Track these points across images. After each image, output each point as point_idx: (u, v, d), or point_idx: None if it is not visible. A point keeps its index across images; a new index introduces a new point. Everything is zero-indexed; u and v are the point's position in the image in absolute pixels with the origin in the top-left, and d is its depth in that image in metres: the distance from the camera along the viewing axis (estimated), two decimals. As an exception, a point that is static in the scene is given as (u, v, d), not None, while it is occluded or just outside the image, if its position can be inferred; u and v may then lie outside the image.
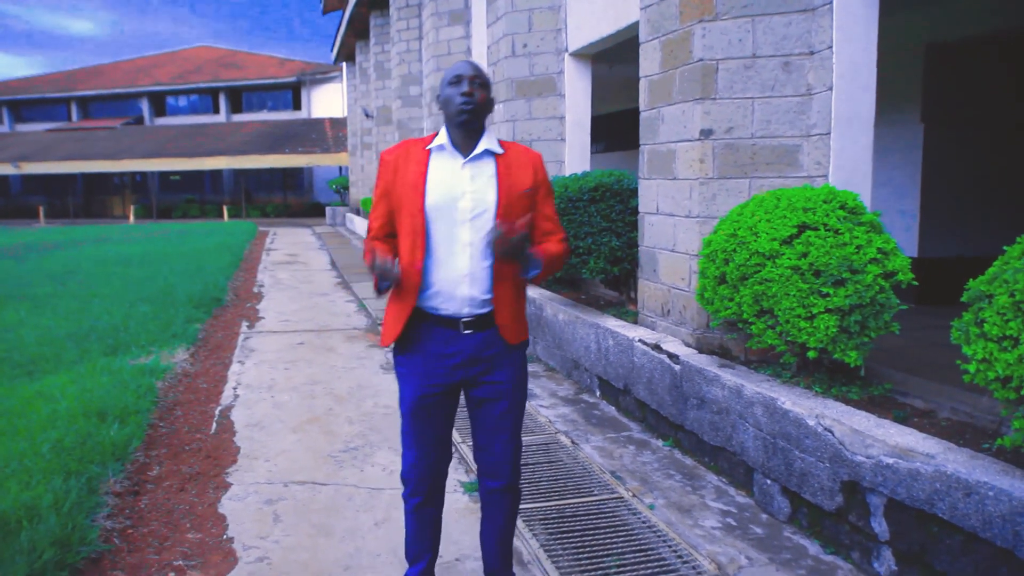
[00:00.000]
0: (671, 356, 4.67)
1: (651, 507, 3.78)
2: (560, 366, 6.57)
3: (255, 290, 11.94)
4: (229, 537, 3.48)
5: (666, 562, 3.21)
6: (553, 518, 3.63)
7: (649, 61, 5.25)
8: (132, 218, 37.73)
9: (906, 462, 2.93)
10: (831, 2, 4.32)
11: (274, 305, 10.40)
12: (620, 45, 7.66)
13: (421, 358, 2.62)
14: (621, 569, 3.15)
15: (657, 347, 4.85)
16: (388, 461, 4.41)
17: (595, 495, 3.92)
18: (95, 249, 18.37)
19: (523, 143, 8.12)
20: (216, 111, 46.58)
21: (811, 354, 3.66)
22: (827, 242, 3.62)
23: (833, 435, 3.30)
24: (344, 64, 31.32)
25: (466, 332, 2.59)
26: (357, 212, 25.65)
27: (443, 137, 2.60)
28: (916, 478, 2.87)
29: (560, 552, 3.29)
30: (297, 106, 45.44)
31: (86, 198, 43.92)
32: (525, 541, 3.39)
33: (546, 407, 5.52)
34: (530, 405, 5.48)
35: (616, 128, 15.55)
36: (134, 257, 15.85)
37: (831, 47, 4.36)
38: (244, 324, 8.91)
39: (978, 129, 7.60)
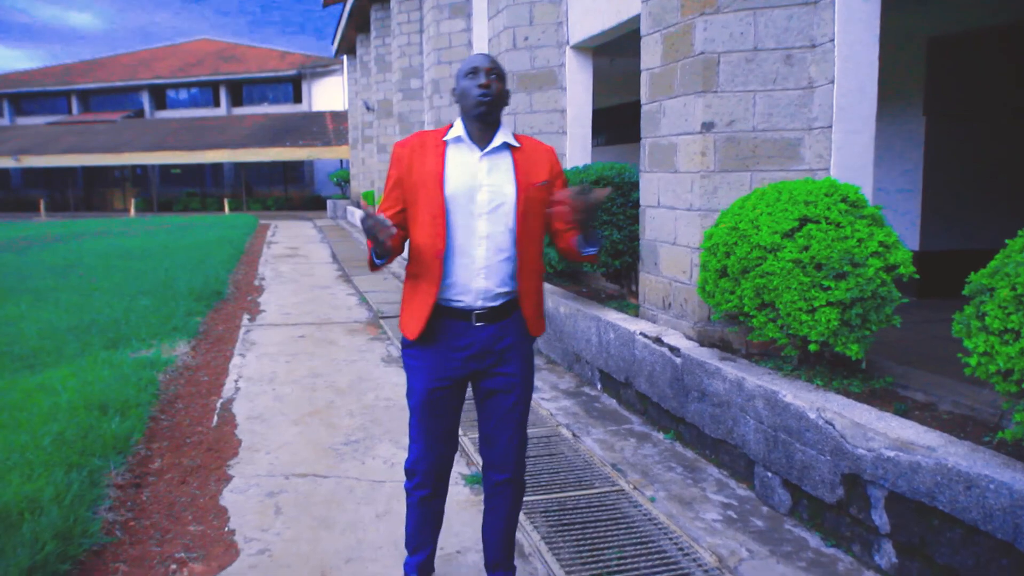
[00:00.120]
0: (672, 349, 4.67)
1: (652, 500, 3.79)
2: (561, 359, 6.57)
3: (256, 283, 11.94)
4: (231, 529, 3.49)
5: (667, 554, 3.22)
6: (554, 510, 3.64)
7: (650, 54, 5.24)
8: (133, 211, 37.70)
9: (907, 455, 2.93)
10: (833, -6, 4.31)
11: (275, 298, 10.41)
12: (621, 38, 7.64)
13: (433, 350, 2.62)
14: (622, 561, 3.15)
15: (658, 340, 4.85)
16: (389, 454, 4.42)
17: (596, 488, 3.92)
18: (96, 242, 18.36)
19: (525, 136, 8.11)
20: (217, 104, 46.52)
21: (812, 347, 3.66)
22: (828, 235, 3.61)
23: (834, 428, 3.30)
24: (345, 57, 31.25)
25: (478, 324, 2.59)
26: (358, 205, 25.63)
27: (459, 129, 2.59)
28: (917, 471, 2.88)
29: (561, 544, 3.30)
30: (298, 99, 45.37)
31: (87, 191, 43.88)
32: (526, 533, 3.40)
33: (547, 400, 5.53)
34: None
35: (617, 121, 15.53)
36: (135, 250, 15.85)
37: (833, 40, 4.35)
38: (245, 317, 8.91)
39: (980, 123, 7.59)
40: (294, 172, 42.75)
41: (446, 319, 2.59)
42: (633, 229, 5.98)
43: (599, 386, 5.79)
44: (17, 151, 38.22)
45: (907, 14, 7.22)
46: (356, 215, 24.18)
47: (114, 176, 43.71)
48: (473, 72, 2.55)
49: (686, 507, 3.72)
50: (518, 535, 3.36)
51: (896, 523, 3.01)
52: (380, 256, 2.51)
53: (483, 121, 2.56)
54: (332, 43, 28.98)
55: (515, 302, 2.66)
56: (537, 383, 5.97)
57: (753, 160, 4.61)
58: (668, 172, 5.07)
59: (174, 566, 3.15)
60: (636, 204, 5.94)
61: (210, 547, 3.33)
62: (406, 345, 2.69)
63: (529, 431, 4.63)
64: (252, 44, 52.20)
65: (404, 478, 2.84)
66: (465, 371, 2.64)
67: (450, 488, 3.37)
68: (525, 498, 3.70)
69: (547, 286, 7.23)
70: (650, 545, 3.30)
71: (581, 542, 3.32)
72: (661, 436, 4.74)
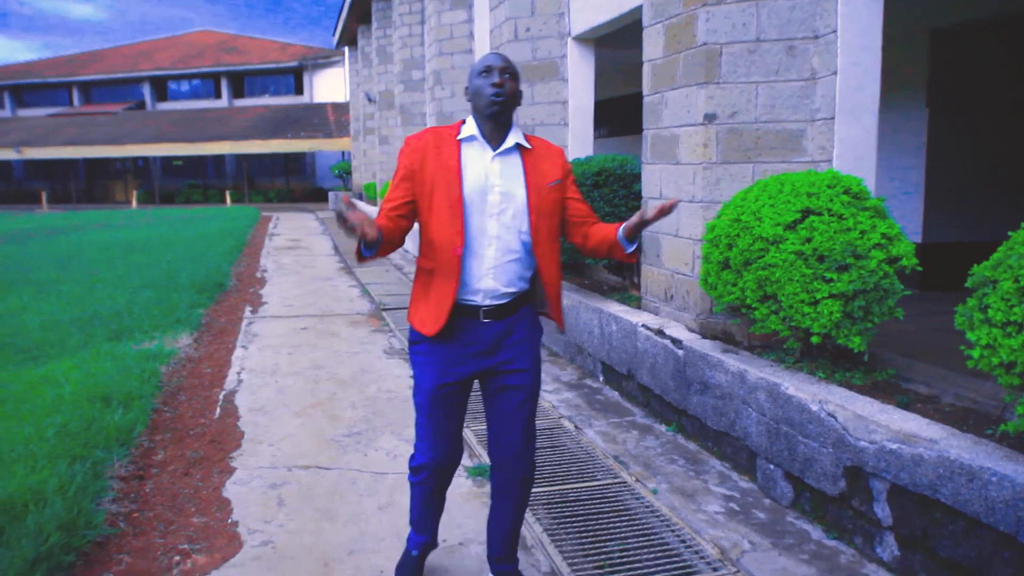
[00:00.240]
0: (674, 341, 4.67)
1: (654, 492, 3.79)
2: (563, 351, 6.57)
3: (258, 275, 11.95)
4: (234, 521, 3.50)
5: (669, 546, 3.22)
6: (556, 503, 3.65)
7: (652, 45, 5.23)
8: (135, 203, 37.71)
9: (909, 447, 2.93)
10: (837, -15, 4.29)
11: (277, 290, 10.41)
12: (623, 29, 7.62)
13: (441, 347, 2.62)
14: (624, 553, 3.16)
15: (660, 332, 4.85)
16: (392, 446, 4.43)
17: (598, 480, 3.93)
18: (98, 234, 18.38)
19: (526, 128, 8.10)
20: (218, 96, 46.46)
21: (815, 339, 3.65)
22: (831, 227, 3.61)
23: (836, 420, 3.31)
24: (346, 49, 31.16)
25: (485, 321, 2.60)
26: (360, 197, 25.62)
27: (472, 128, 2.59)
28: (919, 463, 2.88)
29: (563, 536, 3.30)
30: (299, 91, 45.32)
31: (88, 183, 43.90)
32: (529, 525, 3.40)
33: (549, 392, 5.53)
34: (533, 390, 5.49)
35: (619, 113, 15.49)
36: (137, 242, 15.86)
37: (836, 31, 4.33)
38: (247, 309, 8.92)
39: (983, 114, 7.57)
40: (296, 164, 42.72)
41: (455, 316, 2.59)
42: (635, 221, 5.97)
43: (601, 378, 5.80)
44: (19, 143, 38.21)
45: (910, 5, 7.19)
46: (359, 207, 24.12)
47: (116, 168, 43.73)
48: (487, 71, 2.55)
49: (688, 499, 3.73)
50: (521, 528, 3.36)
51: (898, 516, 3.01)
52: (368, 246, 2.41)
53: (496, 120, 2.55)
54: (333, 34, 28.92)
55: (523, 298, 2.67)
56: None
57: (755, 152, 4.60)
58: (670, 164, 5.06)
59: (177, 557, 3.16)
60: (638, 196, 5.93)
61: (213, 539, 3.34)
62: (413, 342, 2.69)
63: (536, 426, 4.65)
64: (253, 35, 52.07)
65: (406, 470, 2.86)
66: (473, 368, 2.64)
67: (453, 480, 3.38)
68: (528, 490, 3.72)
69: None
70: (652, 537, 3.31)
71: (583, 534, 3.33)
72: (663, 428, 4.74)
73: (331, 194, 32.13)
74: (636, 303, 5.81)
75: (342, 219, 2.23)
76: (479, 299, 2.58)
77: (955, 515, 2.75)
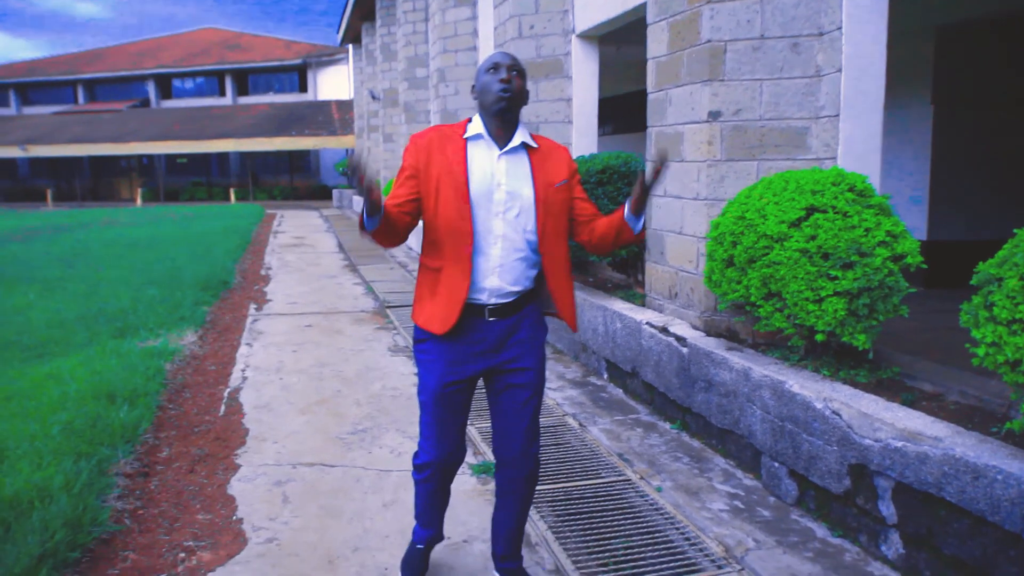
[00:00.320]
0: (678, 339, 4.67)
1: (659, 489, 3.79)
2: (567, 348, 6.57)
3: (263, 272, 11.96)
4: (239, 518, 3.51)
5: (673, 544, 3.23)
6: (561, 500, 3.65)
7: (657, 42, 5.22)
8: (139, 201, 37.78)
9: (914, 445, 2.93)
10: (842, -18, 4.28)
11: (282, 288, 10.42)
12: (627, 26, 7.61)
13: (447, 346, 2.62)
14: (628, 551, 3.16)
15: (664, 330, 4.85)
16: (396, 443, 4.43)
17: (603, 477, 3.93)
18: (103, 232, 18.41)
19: (530, 126, 8.10)
20: (222, 94, 46.50)
21: (819, 337, 3.65)
22: (836, 225, 3.60)
23: (841, 418, 3.30)
24: (350, 46, 31.15)
25: (491, 319, 2.60)
26: (364, 195, 25.54)
27: (478, 126, 2.59)
28: (924, 461, 2.87)
29: (568, 534, 3.31)
30: (303, 88, 45.33)
31: (93, 181, 43.96)
32: (533, 523, 3.40)
33: (554, 389, 5.53)
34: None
35: (623, 110, 15.48)
36: (142, 240, 15.89)
37: (840, 28, 4.32)
38: (252, 307, 8.93)
39: (989, 111, 7.54)
40: (300, 161, 42.74)
41: (460, 315, 2.59)
42: (639, 219, 5.97)
43: (605, 376, 5.80)
44: (24, 141, 38.29)
45: (916, 2, 7.17)
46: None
47: (120, 166, 43.79)
48: (494, 68, 2.55)
49: (693, 497, 3.73)
50: (525, 525, 3.36)
51: (903, 514, 3.01)
52: (371, 213, 2.37)
53: (502, 118, 2.55)
54: (338, 32, 28.91)
55: (528, 296, 2.67)
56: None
57: (760, 149, 4.60)
58: (675, 161, 5.05)
59: (183, 554, 3.17)
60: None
61: (218, 535, 3.34)
62: (418, 340, 2.69)
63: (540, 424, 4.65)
64: (257, 33, 52.10)
65: (411, 467, 2.86)
66: (478, 367, 2.64)
67: (457, 478, 3.38)
68: (532, 488, 3.72)
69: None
70: (657, 535, 3.31)
71: (588, 532, 3.33)
72: (668, 426, 4.74)
73: (335, 192, 32.14)
74: (640, 301, 5.80)
75: (357, 169, 2.20)
76: (484, 298, 2.58)
77: (960, 513, 2.75)
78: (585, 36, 8.21)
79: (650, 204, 5.45)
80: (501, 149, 2.57)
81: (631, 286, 6.51)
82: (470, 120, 2.63)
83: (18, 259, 12.99)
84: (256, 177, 41.46)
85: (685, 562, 3.08)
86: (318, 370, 6.07)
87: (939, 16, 7.29)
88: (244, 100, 45.90)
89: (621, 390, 5.49)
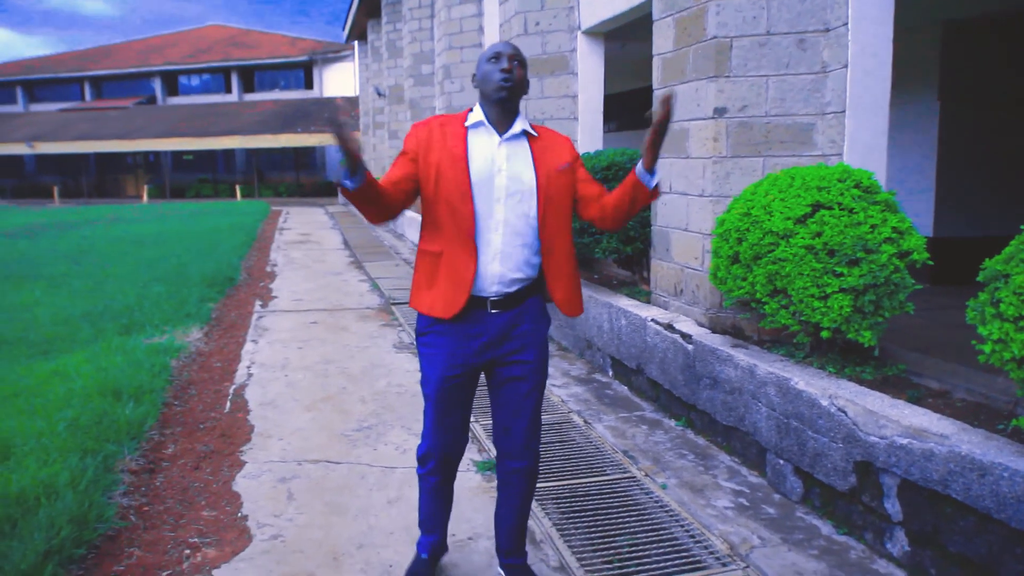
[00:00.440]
0: (684, 336, 4.66)
1: (663, 487, 3.79)
2: (573, 346, 6.57)
3: (268, 269, 11.98)
4: (244, 515, 3.51)
5: (678, 542, 3.22)
6: (565, 497, 3.65)
7: (662, 38, 5.20)
8: (145, 198, 37.84)
9: (920, 443, 2.92)
10: (848, -22, 4.26)
11: (287, 284, 10.44)
12: (633, 22, 7.59)
13: (449, 338, 2.62)
14: (633, 548, 3.16)
15: (670, 327, 4.84)
16: (401, 440, 4.44)
17: (608, 474, 3.93)
18: (109, 229, 18.46)
19: (535, 122, 8.08)
20: (228, 90, 46.55)
21: (825, 334, 3.64)
22: (841, 221, 3.59)
23: (847, 415, 3.29)
24: (356, 43, 31.18)
25: (493, 311, 2.59)
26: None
27: (479, 114, 2.61)
28: (930, 459, 2.86)
29: (572, 531, 3.30)
30: (309, 85, 45.34)
31: (99, 178, 44.06)
32: (538, 520, 3.40)
33: (559, 386, 5.53)
34: (542, 385, 5.49)
35: (629, 107, 15.45)
36: (148, 237, 15.93)
37: (847, 24, 4.30)
38: (257, 303, 8.95)
39: (996, 107, 7.50)
40: (305, 158, 42.77)
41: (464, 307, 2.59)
42: (645, 215, 5.96)
43: (610, 373, 5.79)
44: (31, 137, 38.40)
45: (923, -3, 7.14)
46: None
47: (127, 162, 43.88)
48: (496, 57, 2.57)
49: (698, 494, 3.72)
50: (530, 522, 3.36)
51: (909, 511, 3.00)
52: (352, 173, 2.30)
53: (503, 106, 2.57)
54: (343, 29, 28.92)
55: (531, 288, 2.67)
56: (549, 369, 5.96)
57: (765, 145, 4.58)
58: (680, 158, 5.04)
59: (188, 551, 3.18)
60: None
61: (223, 532, 3.35)
62: (420, 333, 2.69)
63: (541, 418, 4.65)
64: (263, 30, 52.18)
65: (416, 464, 2.86)
66: (480, 359, 2.64)
67: (462, 475, 3.39)
68: (537, 485, 3.71)
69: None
70: (661, 532, 3.30)
71: (592, 529, 3.33)
72: (673, 423, 4.73)
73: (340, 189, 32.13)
74: (645, 298, 5.79)
75: (336, 126, 2.18)
76: (487, 287, 2.57)
77: (966, 511, 2.74)
78: (591, 32, 8.19)
79: (655, 202, 5.43)
80: (502, 136, 2.58)
81: (636, 283, 6.50)
82: (471, 110, 2.64)
83: (24, 256, 13.03)
84: (262, 174, 41.51)
85: (690, 559, 3.08)
86: (323, 367, 6.07)
87: (947, 11, 7.25)
88: (250, 97, 45.95)
89: (626, 387, 5.49)
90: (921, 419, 3.05)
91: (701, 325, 4.80)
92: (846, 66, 4.33)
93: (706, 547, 3.18)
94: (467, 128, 2.60)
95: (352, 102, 37.89)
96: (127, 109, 43.54)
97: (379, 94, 22.39)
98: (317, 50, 44.55)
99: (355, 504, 3.62)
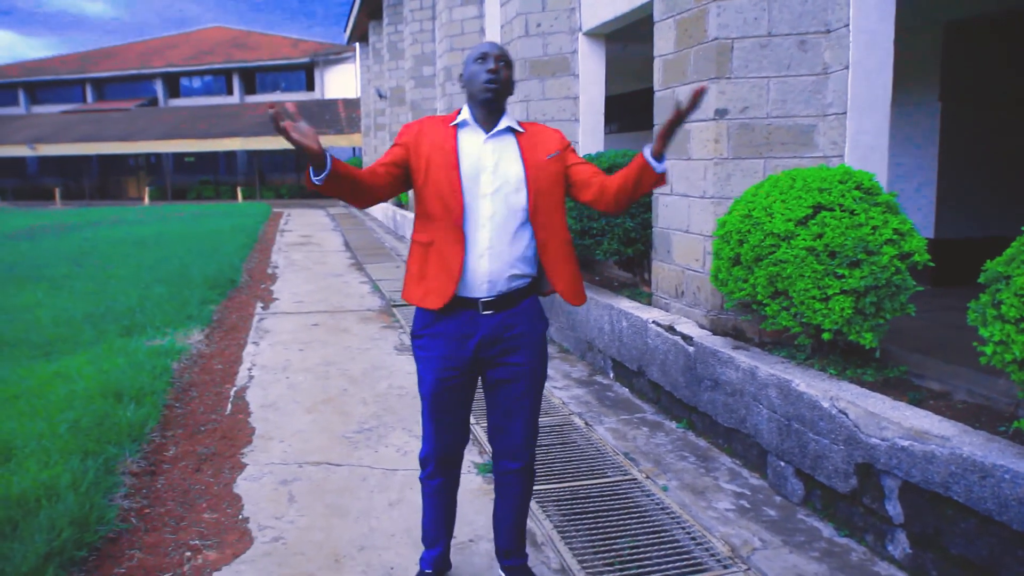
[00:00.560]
0: (685, 338, 4.66)
1: (665, 489, 3.79)
2: (574, 347, 6.56)
3: (269, 271, 11.98)
4: (245, 517, 3.51)
5: (680, 544, 3.22)
6: (566, 500, 3.64)
7: (664, 40, 5.21)
8: (147, 200, 37.88)
9: (921, 444, 2.91)
10: (849, -21, 4.26)
11: (288, 286, 10.44)
12: (635, 24, 7.59)
13: (442, 340, 2.62)
14: (635, 551, 3.15)
15: (671, 328, 4.84)
16: (402, 442, 4.43)
17: (609, 477, 3.92)
18: (111, 230, 18.48)
19: (536, 123, 8.08)
20: (230, 92, 46.60)
21: (826, 336, 3.64)
22: (842, 223, 3.59)
23: (848, 417, 3.29)
24: (357, 45, 31.22)
25: (486, 313, 2.59)
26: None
27: (466, 114, 2.63)
28: (931, 461, 2.86)
29: (574, 534, 3.30)
30: (310, 87, 45.37)
31: (101, 180, 44.10)
32: (539, 522, 3.40)
33: (560, 388, 5.53)
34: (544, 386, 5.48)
35: (630, 109, 15.45)
36: (149, 238, 15.94)
37: (848, 25, 4.30)
38: (259, 305, 8.95)
39: (997, 108, 7.50)
40: (307, 160, 42.72)
41: (454, 308, 2.59)
42: (646, 217, 5.96)
43: (611, 375, 5.79)
44: (33, 139, 38.46)
45: (924, -2, 7.14)
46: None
47: (128, 164, 43.91)
48: (482, 58, 2.58)
49: (699, 496, 3.72)
50: (531, 524, 3.36)
51: (910, 513, 2.99)
52: (317, 169, 2.28)
53: (489, 107, 2.58)
54: (345, 30, 28.95)
55: (527, 289, 2.66)
56: (549, 371, 5.96)
57: (767, 147, 4.58)
58: (681, 159, 5.04)
59: (189, 553, 3.18)
60: (649, 192, 5.91)
61: (224, 534, 3.35)
62: (415, 335, 2.69)
63: (541, 420, 4.65)
64: (265, 32, 52.24)
65: (417, 467, 2.86)
66: (474, 360, 2.63)
67: (463, 477, 3.38)
68: (537, 487, 3.71)
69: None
70: (663, 534, 3.30)
71: (594, 531, 3.33)
72: (674, 425, 4.73)
73: None
74: (647, 299, 5.79)
75: (275, 123, 2.14)
76: (476, 284, 2.56)
77: (967, 513, 2.74)
78: (592, 34, 8.19)
79: (656, 204, 5.44)
80: (487, 133, 2.59)
81: (637, 285, 6.50)
82: (460, 111, 2.65)
83: (26, 257, 13.04)
84: (263, 176, 41.53)
85: (691, 562, 3.08)
86: (324, 369, 6.07)
87: (948, 11, 7.24)
88: (251, 99, 45.99)
89: (627, 389, 5.48)
90: (922, 421, 3.05)
91: (702, 327, 4.80)
92: (847, 67, 4.33)
93: (707, 549, 3.17)
94: (456, 127, 2.61)
95: (353, 104, 37.91)
96: (129, 111, 43.60)
97: (380, 96, 22.40)
98: (318, 52, 44.60)
99: (356, 506, 3.62)
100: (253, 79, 46.77)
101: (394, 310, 8.45)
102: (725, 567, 3.04)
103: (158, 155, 41.65)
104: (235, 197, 38.15)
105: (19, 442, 3.91)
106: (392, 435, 4.56)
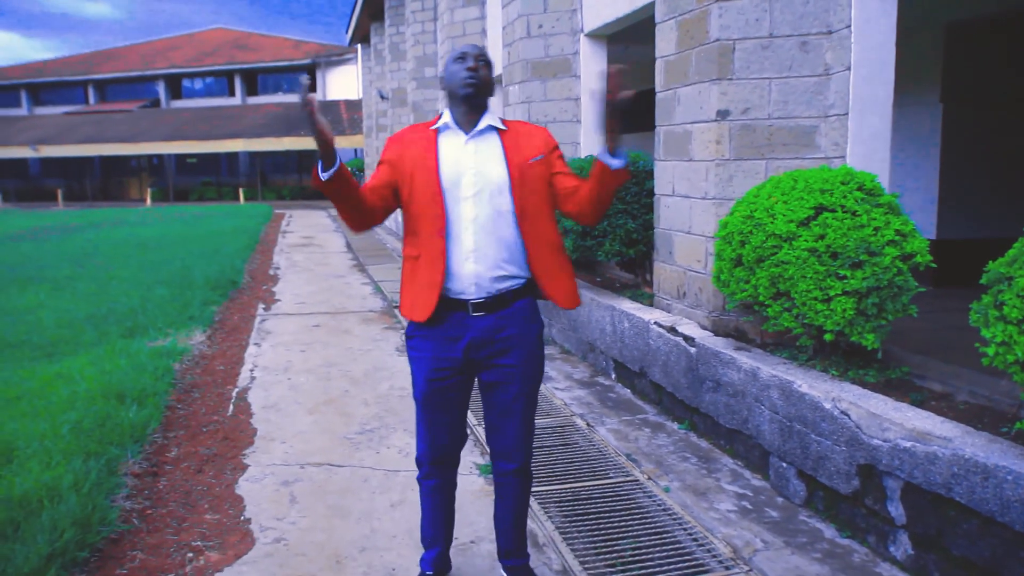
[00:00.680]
0: (687, 338, 4.65)
1: (666, 490, 3.79)
2: (575, 348, 6.56)
3: (271, 272, 11.99)
4: (246, 518, 3.51)
5: (681, 545, 3.22)
6: (568, 500, 3.64)
7: (665, 41, 5.20)
8: (149, 201, 37.91)
9: (923, 446, 2.91)
10: (850, -20, 4.26)
11: (290, 287, 10.45)
12: (636, 25, 7.59)
13: (433, 342, 2.62)
14: (636, 552, 3.15)
15: (673, 329, 4.84)
16: (404, 443, 4.44)
17: (610, 478, 3.92)
18: (113, 232, 18.50)
19: (538, 124, 8.09)
20: (232, 94, 46.61)
21: (828, 337, 3.63)
22: (844, 224, 3.58)
23: (850, 418, 3.29)
24: (359, 46, 31.18)
25: (476, 314, 2.59)
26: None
27: (446, 117, 2.63)
28: (933, 462, 2.86)
29: (575, 535, 3.30)
30: (312, 88, 45.18)
31: (104, 181, 44.16)
32: (540, 523, 3.40)
33: (561, 389, 5.53)
34: (545, 387, 5.49)
35: (632, 109, 15.45)
36: (151, 240, 15.95)
37: (849, 26, 4.30)
38: (260, 306, 8.95)
39: (999, 109, 7.49)
40: (309, 161, 42.70)
41: (443, 309, 2.59)
42: (648, 218, 5.96)
43: (613, 376, 5.79)
44: (35, 141, 38.49)
45: (926, -1, 7.13)
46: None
47: (131, 166, 43.96)
48: (461, 57, 2.60)
49: (701, 497, 3.72)
50: (532, 525, 3.36)
51: (912, 514, 2.99)
52: (326, 163, 2.31)
53: (469, 104, 2.58)
54: (346, 32, 28.94)
55: (520, 291, 2.65)
56: (551, 372, 5.97)
57: (768, 148, 4.58)
58: (683, 160, 5.04)
59: (191, 554, 3.18)
60: (651, 193, 5.91)
61: (226, 535, 3.35)
62: (409, 337, 2.70)
63: (543, 421, 4.66)
64: (266, 33, 52.27)
65: (416, 469, 2.86)
66: (465, 361, 2.63)
67: (464, 478, 3.38)
68: (539, 488, 3.72)
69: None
70: (665, 536, 3.30)
71: (595, 532, 3.33)
72: (675, 426, 4.73)
73: None
74: (648, 300, 5.79)
75: (307, 105, 2.21)
76: (463, 286, 2.56)
77: (970, 514, 2.73)
78: (594, 35, 8.19)
79: (658, 205, 5.44)
80: (467, 134, 2.59)
81: (639, 286, 6.50)
82: (441, 115, 2.65)
83: (29, 259, 13.06)
84: (265, 177, 41.56)
85: (693, 563, 3.07)
86: (326, 370, 6.08)
87: (949, 12, 7.23)
88: (253, 100, 45.99)
89: (629, 390, 5.48)
90: (924, 422, 3.04)
91: (704, 328, 4.80)
92: (849, 68, 4.32)
93: (709, 550, 3.17)
94: (437, 132, 2.61)
95: (355, 105, 37.92)
96: (131, 112, 43.61)
97: (382, 97, 22.41)
98: (320, 53, 44.59)
99: (358, 507, 3.62)
100: (255, 80, 46.78)
101: (395, 311, 8.45)
102: (727, 568, 3.04)
103: (160, 156, 41.69)
104: (237, 198, 38.17)
105: (21, 443, 3.92)
106: (393, 436, 4.56)
